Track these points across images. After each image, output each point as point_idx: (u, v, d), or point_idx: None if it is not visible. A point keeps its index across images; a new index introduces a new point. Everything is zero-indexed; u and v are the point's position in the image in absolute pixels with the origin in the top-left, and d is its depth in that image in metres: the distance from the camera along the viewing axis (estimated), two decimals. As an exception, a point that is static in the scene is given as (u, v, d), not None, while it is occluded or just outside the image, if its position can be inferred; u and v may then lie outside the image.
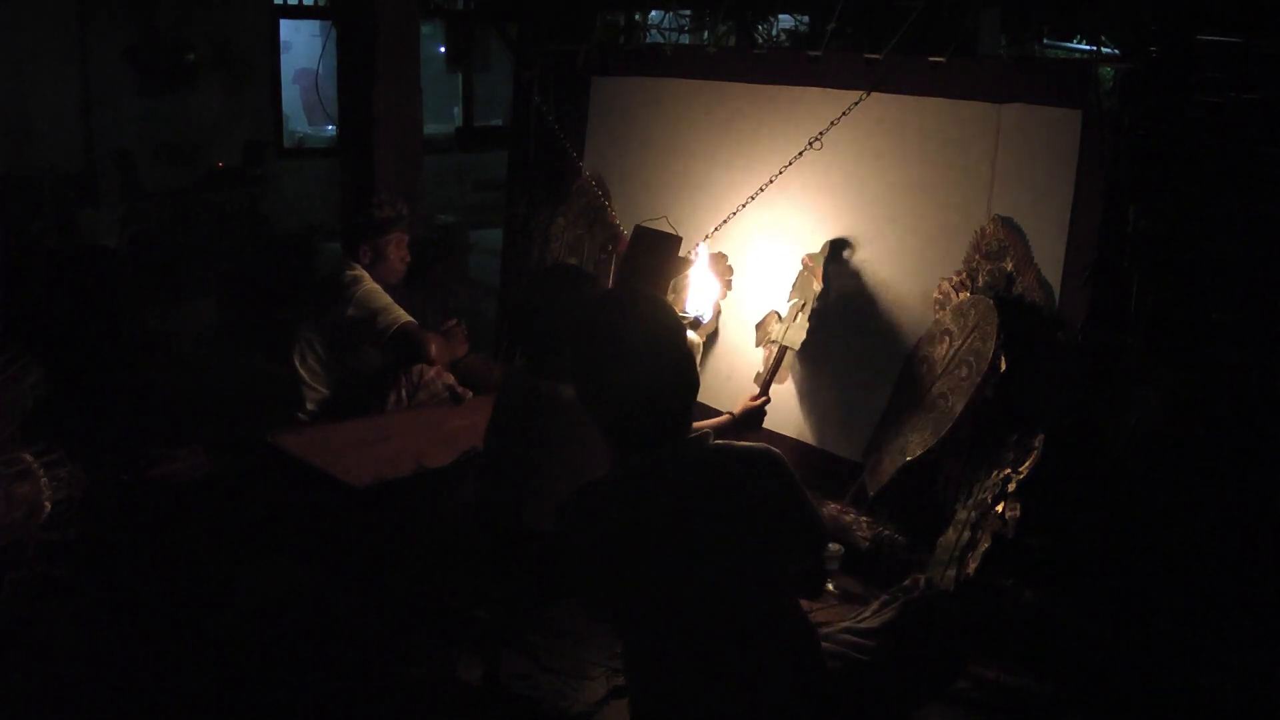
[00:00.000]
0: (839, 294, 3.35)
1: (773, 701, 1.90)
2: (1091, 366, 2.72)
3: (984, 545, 2.68)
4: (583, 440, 2.43)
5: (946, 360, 2.94)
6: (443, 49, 10.26)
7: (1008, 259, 2.94)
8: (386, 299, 3.78)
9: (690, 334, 3.06)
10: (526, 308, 2.79)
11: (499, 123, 10.09)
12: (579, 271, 2.91)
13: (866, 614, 2.21)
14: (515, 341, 2.80)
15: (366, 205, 3.97)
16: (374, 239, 3.87)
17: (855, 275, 3.33)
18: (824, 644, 2.06)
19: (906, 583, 2.26)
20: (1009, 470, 2.70)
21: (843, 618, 2.28)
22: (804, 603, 2.12)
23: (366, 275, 3.83)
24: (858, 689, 2.03)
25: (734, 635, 1.89)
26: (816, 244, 3.38)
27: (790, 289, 3.34)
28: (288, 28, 9.37)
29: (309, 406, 3.78)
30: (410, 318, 3.76)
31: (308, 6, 9.38)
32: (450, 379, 3.83)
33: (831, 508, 3.09)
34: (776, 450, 1.99)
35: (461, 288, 3.87)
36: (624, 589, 1.93)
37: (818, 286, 3.26)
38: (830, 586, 2.92)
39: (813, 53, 3.43)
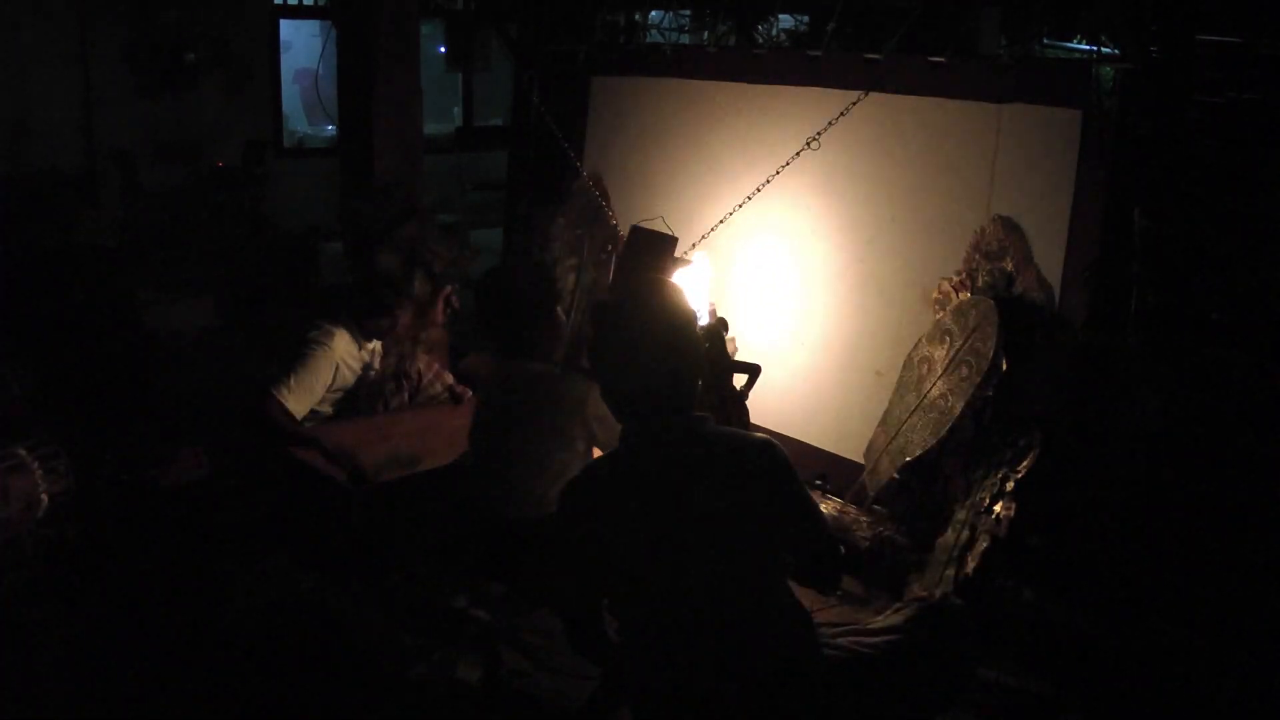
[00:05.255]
0: (840, 293, 3.34)
1: (760, 681, 1.90)
2: (1091, 366, 2.72)
3: (982, 545, 2.68)
4: (552, 407, 2.64)
5: (947, 360, 2.94)
6: (443, 49, 10.25)
7: (1008, 259, 2.94)
8: (307, 366, 3.48)
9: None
10: (487, 298, 2.88)
11: (499, 123, 10.09)
12: (536, 261, 3.00)
13: (874, 622, 2.21)
14: (486, 332, 2.89)
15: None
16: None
17: (856, 275, 3.32)
18: (826, 642, 2.07)
19: (919, 596, 2.26)
20: (1008, 470, 2.71)
21: (844, 617, 2.28)
22: (809, 602, 2.12)
23: (334, 340, 3.55)
24: (861, 682, 2.04)
25: (718, 614, 1.91)
26: (815, 244, 3.37)
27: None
28: (288, 28, 9.36)
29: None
30: (285, 405, 3.43)
31: (308, 6, 9.38)
32: (449, 379, 3.83)
33: (831, 507, 3.09)
34: (776, 443, 2.00)
35: (444, 245, 3.77)
36: (616, 562, 1.96)
37: None
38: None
39: (812, 53, 3.43)
